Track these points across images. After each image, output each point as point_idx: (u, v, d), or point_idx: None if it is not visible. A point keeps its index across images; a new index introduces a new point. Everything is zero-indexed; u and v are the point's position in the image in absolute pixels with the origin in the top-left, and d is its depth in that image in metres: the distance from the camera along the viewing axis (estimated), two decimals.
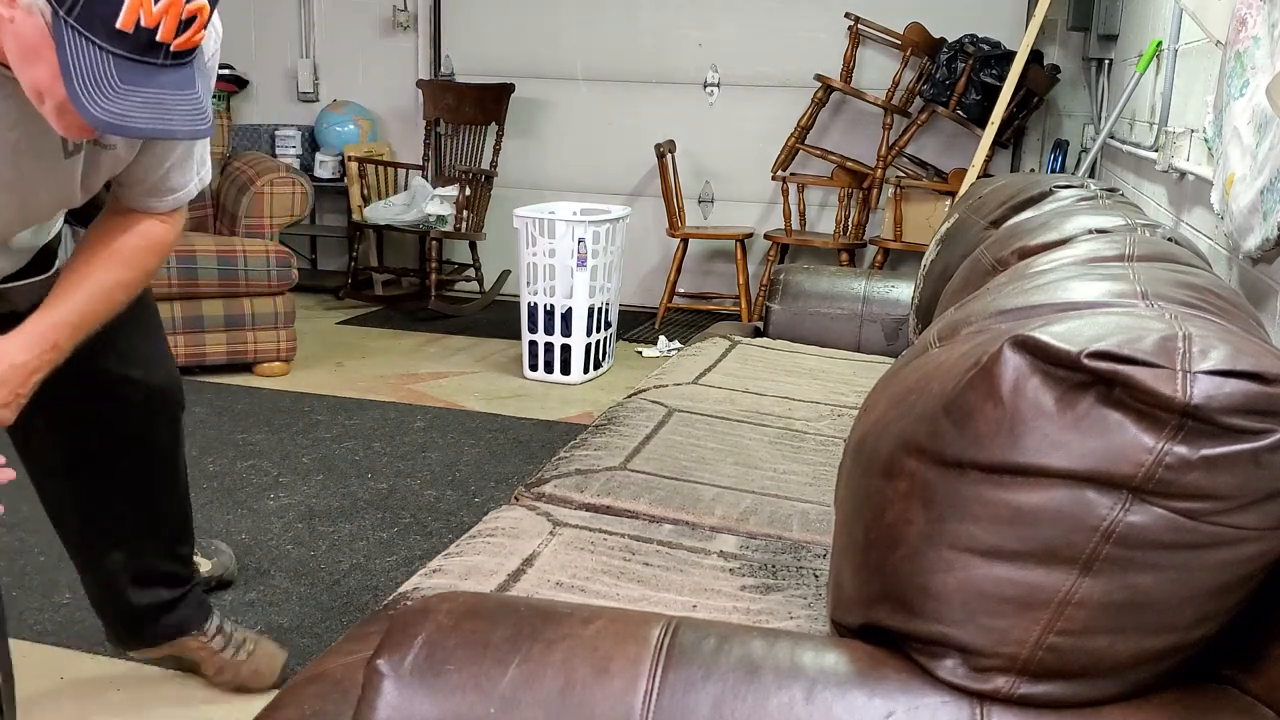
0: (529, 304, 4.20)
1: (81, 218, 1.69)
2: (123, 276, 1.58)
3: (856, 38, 4.99)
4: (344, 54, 5.80)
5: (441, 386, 4.12)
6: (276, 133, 5.64)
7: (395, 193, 5.43)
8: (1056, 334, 0.85)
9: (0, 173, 1.35)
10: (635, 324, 5.19)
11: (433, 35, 5.68)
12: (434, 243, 5.07)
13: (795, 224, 5.06)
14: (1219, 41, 2.09)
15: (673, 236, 5.07)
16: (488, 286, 5.43)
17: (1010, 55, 4.43)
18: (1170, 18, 3.00)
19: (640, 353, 4.71)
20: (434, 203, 5.10)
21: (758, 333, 3.06)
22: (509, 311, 4.87)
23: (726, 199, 5.47)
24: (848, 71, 5.01)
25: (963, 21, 4.85)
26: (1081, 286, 1.13)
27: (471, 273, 5.47)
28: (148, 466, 1.90)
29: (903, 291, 2.93)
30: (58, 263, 1.68)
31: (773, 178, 5.08)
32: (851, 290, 2.99)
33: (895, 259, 5.02)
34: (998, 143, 4.46)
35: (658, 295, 5.30)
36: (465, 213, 5.02)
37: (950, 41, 4.74)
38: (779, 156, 5.06)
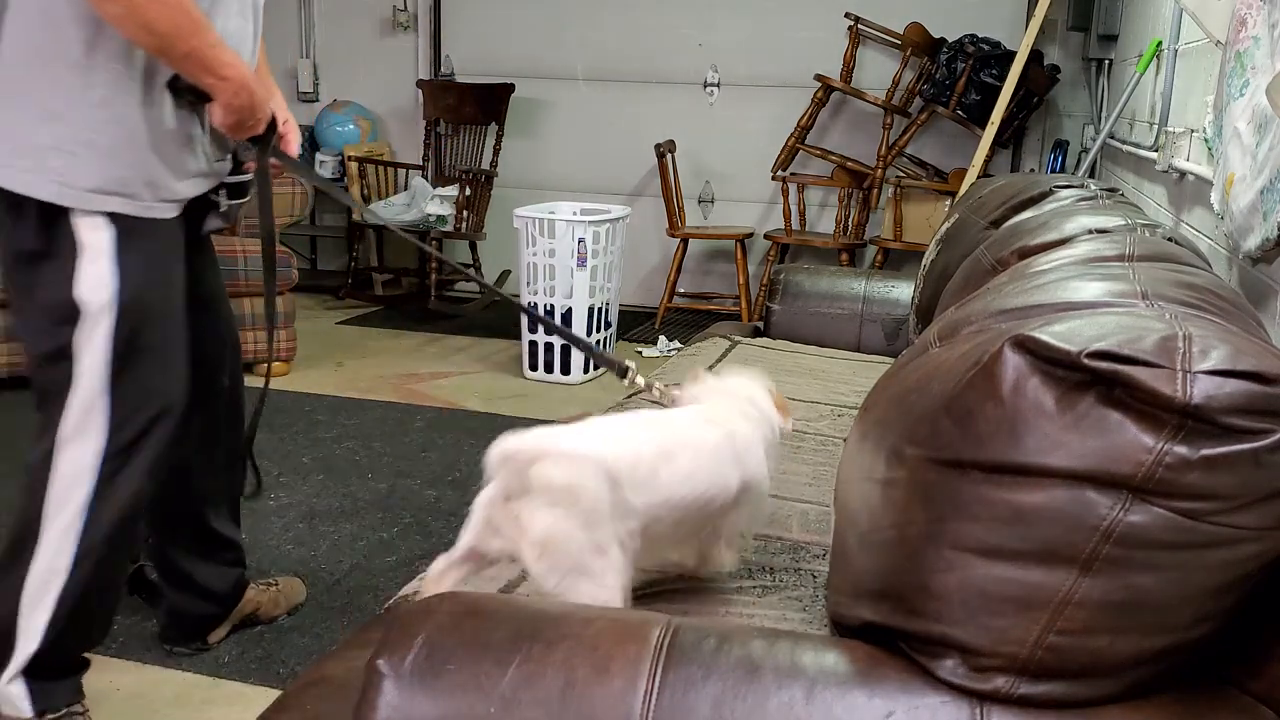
0: (529, 304, 4.20)
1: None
2: None
3: (856, 38, 4.99)
4: (344, 54, 5.80)
5: (441, 386, 4.12)
6: None
7: (395, 193, 5.43)
8: (1057, 334, 0.85)
9: None
10: (635, 324, 5.19)
11: (433, 35, 5.68)
12: (434, 243, 5.07)
13: (795, 224, 5.06)
14: (1219, 41, 2.09)
15: (673, 236, 5.07)
16: None
17: (1010, 55, 4.43)
18: (1170, 18, 3.00)
19: (640, 353, 4.71)
20: (434, 203, 5.10)
21: (758, 333, 3.06)
22: (509, 311, 4.87)
23: (726, 199, 5.47)
24: (848, 71, 5.01)
25: (963, 21, 4.85)
26: (1081, 286, 1.13)
27: (472, 273, 5.47)
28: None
29: (903, 291, 2.93)
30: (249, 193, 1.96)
31: (773, 178, 5.08)
32: (851, 290, 2.99)
33: (895, 259, 5.01)
34: (998, 143, 4.46)
35: (658, 295, 5.30)
36: (465, 213, 5.02)
37: (950, 41, 4.74)
38: (779, 156, 5.05)
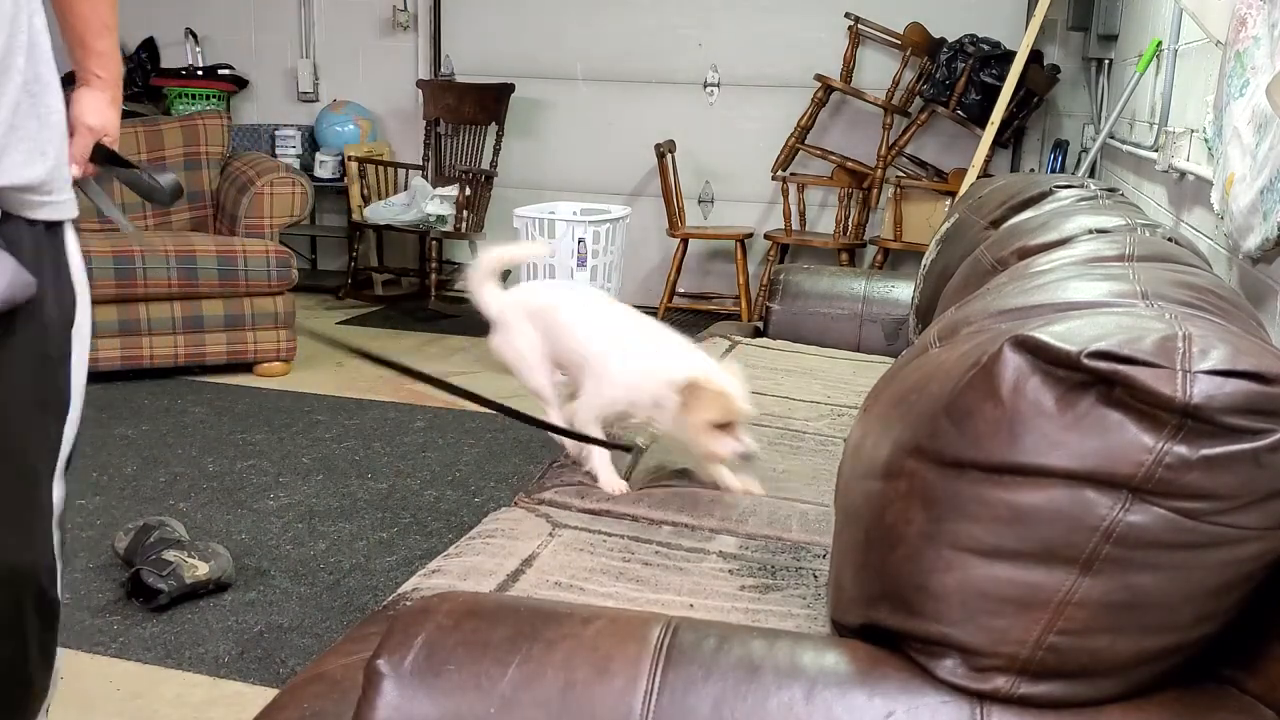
0: None
1: None
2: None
3: (856, 38, 4.99)
4: (344, 54, 5.80)
5: None
6: (276, 133, 5.64)
7: (395, 193, 5.43)
8: (1056, 334, 0.85)
9: None
10: None
11: (433, 35, 5.68)
12: (434, 243, 5.06)
13: (795, 224, 5.06)
14: (1219, 41, 2.09)
15: (673, 236, 5.07)
16: None
17: (1010, 55, 4.43)
18: (1170, 18, 3.00)
19: None
20: (434, 203, 5.10)
21: (758, 333, 3.06)
22: None
23: (726, 199, 5.47)
24: (848, 71, 5.01)
25: (963, 21, 4.84)
26: (1081, 286, 1.13)
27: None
28: None
29: (903, 291, 2.93)
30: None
31: (773, 178, 5.08)
32: (851, 290, 2.98)
33: (895, 259, 5.01)
34: (998, 143, 4.45)
35: (658, 295, 5.30)
36: (465, 213, 5.02)
37: (950, 41, 4.74)
38: (779, 156, 5.05)
